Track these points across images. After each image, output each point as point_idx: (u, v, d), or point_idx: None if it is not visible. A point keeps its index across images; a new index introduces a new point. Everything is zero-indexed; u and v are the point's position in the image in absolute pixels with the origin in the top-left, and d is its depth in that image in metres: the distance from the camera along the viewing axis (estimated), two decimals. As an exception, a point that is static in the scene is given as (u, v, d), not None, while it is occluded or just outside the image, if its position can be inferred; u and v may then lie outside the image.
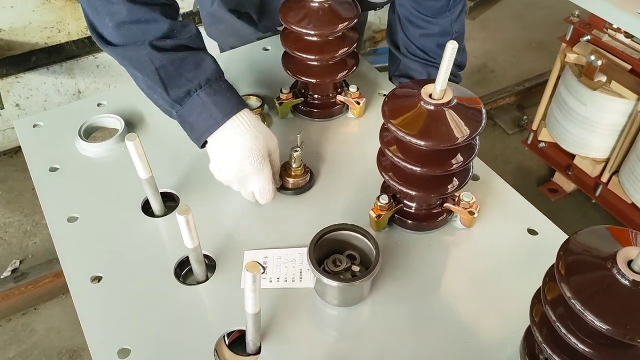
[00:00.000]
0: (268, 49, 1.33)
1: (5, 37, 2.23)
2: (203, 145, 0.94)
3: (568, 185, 2.32)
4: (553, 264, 0.64)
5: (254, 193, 0.95)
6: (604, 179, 2.05)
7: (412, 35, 1.22)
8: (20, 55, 2.29)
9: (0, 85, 2.26)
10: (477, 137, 0.81)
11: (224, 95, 0.91)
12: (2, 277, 2.03)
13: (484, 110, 0.81)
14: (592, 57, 1.84)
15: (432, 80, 0.79)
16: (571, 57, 1.96)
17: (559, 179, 2.35)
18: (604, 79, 1.87)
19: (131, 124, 1.13)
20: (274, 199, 0.96)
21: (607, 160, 2.03)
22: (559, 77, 2.07)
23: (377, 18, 3.09)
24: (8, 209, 2.31)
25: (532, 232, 0.93)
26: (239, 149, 0.89)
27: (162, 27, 0.88)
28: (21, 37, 2.27)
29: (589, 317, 0.58)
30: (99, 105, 1.17)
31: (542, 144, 2.24)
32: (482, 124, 0.79)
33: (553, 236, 0.92)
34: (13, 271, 2.07)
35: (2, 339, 1.90)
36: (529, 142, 2.32)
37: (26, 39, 2.28)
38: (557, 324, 0.64)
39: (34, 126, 1.14)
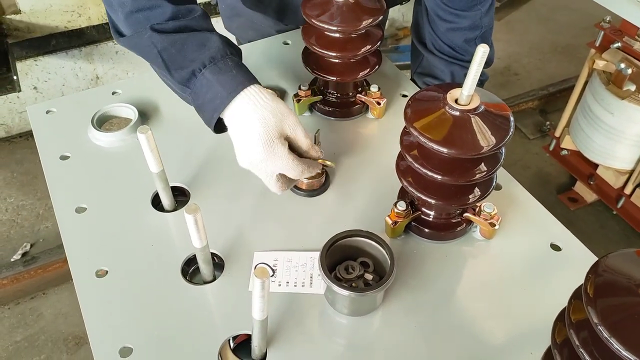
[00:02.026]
0: (289, 43, 1.29)
1: (25, 19, 2.22)
2: (221, 130, 0.88)
3: (589, 196, 2.26)
4: (580, 285, 0.60)
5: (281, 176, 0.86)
6: (627, 190, 2.00)
7: (439, 30, 1.17)
8: (40, 38, 2.29)
9: (19, 68, 2.26)
10: (503, 147, 0.77)
11: (230, 73, 0.84)
12: (12, 260, 2.03)
13: (512, 119, 0.76)
14: (622, 65, 1.78)
15: (459, 84, 0.75)
16: (600, 64, 1.89)
17: (580, 188, 2.29)
18: (633, 88, 1.81)
19: (145, 115, 1.10)
20: (287, 198, 0.93)
21: (631, 172, 1.97)
22: (585, 84, 2.02)
23: (401, 15, 3.04)
24: (22, 192, 2.31)
25: (555, 247, 0.89)
26: (249, 131, 0.82)
27: (165, 11, 0.86)
28: (42, 20, 2.26)
29: (616, 345, 0.54)
30: (113, 93, 1.15)
31: (564, 152, 2.18)
32: (510, 133, 0.75)
33: (578, 253, 0.88)
34: (23, 254, 2.06)
35: (10, 322, 1.90)
36: (550, 148, 2.26)
37: (46, 22, 2.27)
38: (581, 349, 0.60)
39: (47, 112, 1.12)
